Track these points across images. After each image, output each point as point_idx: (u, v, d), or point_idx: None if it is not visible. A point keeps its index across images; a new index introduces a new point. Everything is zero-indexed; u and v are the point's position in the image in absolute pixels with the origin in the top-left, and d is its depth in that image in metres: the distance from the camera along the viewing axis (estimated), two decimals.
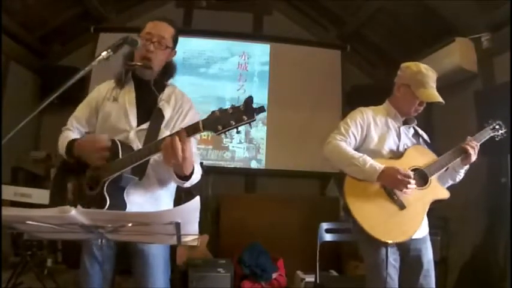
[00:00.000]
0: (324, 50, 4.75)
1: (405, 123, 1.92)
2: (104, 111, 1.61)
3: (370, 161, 1.71)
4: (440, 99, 1.81)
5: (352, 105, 2.09)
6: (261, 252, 3.46)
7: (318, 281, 2.37)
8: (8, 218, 1.11)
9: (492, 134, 1.95)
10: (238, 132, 1.24)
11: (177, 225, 1.09)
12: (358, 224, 1.67)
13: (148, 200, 1.55)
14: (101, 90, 1.69)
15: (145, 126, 1.56)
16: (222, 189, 4.22)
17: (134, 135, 1.55)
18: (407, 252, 1.78)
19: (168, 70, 1.67)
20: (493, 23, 3.10)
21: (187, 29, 4.65)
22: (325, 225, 2.36)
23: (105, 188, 1.41)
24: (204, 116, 1.27)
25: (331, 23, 4.81)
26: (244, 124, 1.22)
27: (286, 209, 3.94)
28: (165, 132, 1.54)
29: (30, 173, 3.94)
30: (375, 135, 1.84)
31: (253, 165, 4.45)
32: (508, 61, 2.81)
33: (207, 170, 4.07)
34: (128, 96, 1.61)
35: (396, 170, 1.67)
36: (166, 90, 1.65)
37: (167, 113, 1.59)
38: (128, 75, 1.64)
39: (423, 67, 1.86)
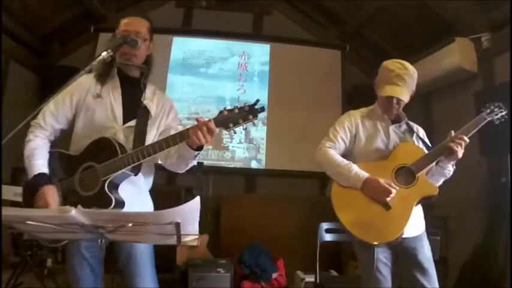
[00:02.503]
0: (324, 50, 4.75)
1: (395, 121, 1.90)
2: (87, 107, 1.58)
3: (355, 169, 1.74)
4: (397, 95, 1.75)
5: (352, 105, 2.09)
6: (261, 252, 3.46)
7: (318, 281, 2.37)
8: (8, 218, 1.11)
9: (489, 119, 1.82)
10: (244, 129, 1.40)
11: (177, 225, 1.09)
12: (346, 228, 1.71)
13: (134, 192, 1.57)
14: (82, 84, 1.60)
15: (132, 123, 1.56)
16: (222, 189, 4.22)
17: (121, 132, 1.56)
18: (401, 250, 1.77)
19: (149, 66, 1.68)
20: (493, 23, 3.10)
21: (187, 29, 4.66)
22: (325, 225, 2.35)
23: (106, 187, 1.42)
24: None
25: (331, 23, 4.80)
26: (249, 122, 1.37)
27: (286, 209, 3.95)
28: (152, 130, 1.59)
29: None
30: (362, 137, 1.86)
31: (253, 165, 4.44)
32: (508, 61, 2.81)
33: (207, 170, 4.11)
34: (114, 93, 1.60)
35: (377, 183, 1.69)
36: (148, 89, 1.67)
37: (152, 110, 1.62)
38: (112, 72, 1.62)
39: (391, 62, 1.80)
